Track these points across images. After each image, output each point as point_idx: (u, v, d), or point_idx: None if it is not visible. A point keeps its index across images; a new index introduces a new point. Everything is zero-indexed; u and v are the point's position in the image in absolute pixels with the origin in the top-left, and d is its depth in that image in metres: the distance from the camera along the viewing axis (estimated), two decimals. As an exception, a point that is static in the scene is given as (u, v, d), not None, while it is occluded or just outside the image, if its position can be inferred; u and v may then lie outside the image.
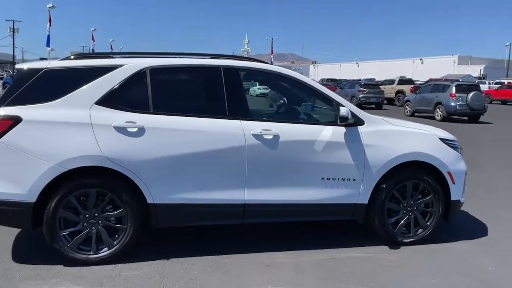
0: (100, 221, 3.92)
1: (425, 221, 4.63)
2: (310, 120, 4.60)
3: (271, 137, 4.12)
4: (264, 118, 4.43)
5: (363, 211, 4.45)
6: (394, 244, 4.54)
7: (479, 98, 18.98)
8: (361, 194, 4.39)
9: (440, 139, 4.68)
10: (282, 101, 4.97)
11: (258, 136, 4.09)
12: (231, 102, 4.15)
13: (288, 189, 4.23)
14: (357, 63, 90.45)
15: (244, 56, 5.31)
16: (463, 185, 4.72)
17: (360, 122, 4.38)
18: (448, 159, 4.60)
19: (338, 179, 4.32)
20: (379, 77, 63.39)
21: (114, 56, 4.21)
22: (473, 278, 3.88)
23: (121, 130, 3.87)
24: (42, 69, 3.93)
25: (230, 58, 4.43)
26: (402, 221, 4.57)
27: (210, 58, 4.37)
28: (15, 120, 3.74)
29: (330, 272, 3.94)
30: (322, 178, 4.29)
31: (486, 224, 5.28)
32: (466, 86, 19.92)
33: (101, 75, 3.97)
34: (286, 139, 4.16)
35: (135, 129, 3.88)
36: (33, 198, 3.75)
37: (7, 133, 3.71)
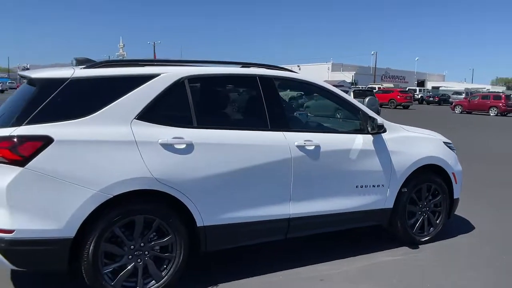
0: (146, 252, 3.45)
1: (435, 219, 4.91)
2: (341, 129, 4.59)
3: (313, 147, 4.02)
4: (302, 129, 4.29)
5: (388, 215, 4.57)
6: (413, 244, 4.74)
7: (374, 102, 20.74)
8: (387, 199, 4.50)
9: (444, 142, 5.01)
10: (308, 110, 4.88)
11: (301, 148, 3.97)
12: (271, 113, 3.95)
13: (327, 199, 4.16)
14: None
15: (271, 64, 5.09)
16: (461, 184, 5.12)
17: (384, 129, 4.49)
18: (451, 161, 4.94)
19: (369, 186, 4.38)
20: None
21: (143, 63, 3.73)
22: (497, 267, 4.22)
23: (169, 147, 3.44)
24: (67, 79, 3.33)
25: (260, 67, 4.22)
26: (419, 222, 4.78)
27: (241, 67, 4.12)
28: (46, 141, 3.11)
29: (380, 277, 3.97)
30: (356, 186, 4.31)
31: (466, 218, 5.76)
32: (362, 91, 21.64)
33: (137, 86, 3.49)
34: (326, 149, 4.10)
35: (183, 146, 3.49)
36: (71, 233, 3.16)
37: (36, 157, 3.07)
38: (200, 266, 4.07)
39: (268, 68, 4.22)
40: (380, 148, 4.42)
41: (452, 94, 49.18)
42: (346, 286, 3.80)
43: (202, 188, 3.54)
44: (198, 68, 3.85)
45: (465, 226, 5.44)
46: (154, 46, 75.37)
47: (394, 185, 4.51)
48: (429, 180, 4.79)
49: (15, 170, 3.04)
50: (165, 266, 3.53)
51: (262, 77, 4.03)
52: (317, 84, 4.42)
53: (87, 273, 3.25)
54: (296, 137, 3.98)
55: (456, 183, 4.98)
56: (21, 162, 3.05)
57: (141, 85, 3.50)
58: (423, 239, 4.81)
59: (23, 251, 3.10)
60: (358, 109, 4.46)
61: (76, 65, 3.85)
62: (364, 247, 4.64)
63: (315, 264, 4.20)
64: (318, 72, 70.46)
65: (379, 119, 4.34)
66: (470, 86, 73.51)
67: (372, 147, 4.37)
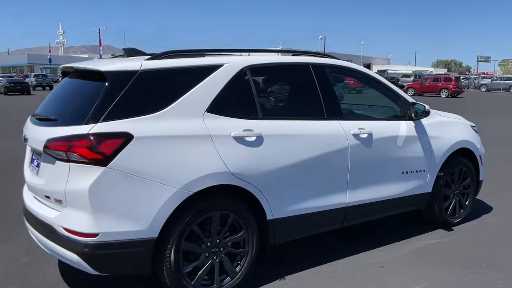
0: (222, 248, 3.35)
1: (465, 201, 5.10)
2: (387, 115, 4.62)
3: (366, 135, 4.04)
4: (353, 117, 4.29)
5: (427, 199, 4.68)
6: (447, 226, 4.90)
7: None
8: (427, 184, 4.61)
9: (470, 126, 5.19)
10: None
11: (357, 136, 3.97)
12: (326, 101, 3.92)
13: (378, 186, 4.21)
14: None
15: (320, 52, 4.93)
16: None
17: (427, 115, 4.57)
18: (478, 144, 5.13)
19: (413, 172, 4.47)
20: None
21: (203, 53, 3.58)
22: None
23: (240, 140, 3.34)
24: (136, 71, 3.14)
25: (310, 54, 4.16)
26: (452, 205, 4.95)
27: (292, 55, 4.05)
28: (126, 138, 2.93)
29: (433, 260, 4.07)
30: (402, 172, 4.38)
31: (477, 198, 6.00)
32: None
33: (204, 77, 3.35)
34: (377, 137, 4.13)
35: (253, 138, 3.40)
36: (155, 233, 3.01)
37: (118, 156, 2.89)
38: (264, 260, 4.01)
39: (318, 56, 4.18)
40: (421, 133, 4.51)
41: (401, 77, 50.69)
42: (408, 271, 3.86)
43: (271, 181, 3.47)
44: (256, 57, 3.75)
45: (482, 207, 5.66)
46: (99, 33, 72.53)
47: (433, 169, 4.63)
48: (461, 164, 4.95)
49: (97, 170, 2.86)
50: (238, 262, 3.46)
51: (315, 65, 3.98)
52: (363, 72, 4.44)
53: (169, 274, 3.12)
54: (350, 125, 3.98)
55: (481, 165, 5.18)
56: (103, 161, 2.86)
57: (207, 76, 3.36)
58: (455, 221, 4.98)
59: (107, 255, 2.93)
60: (400, 96, 4.52)
61: (126, 56, 3.66)
62: (402, 233, 4.72)
63: (366, 251, 4.25)
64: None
65: (427, 106, 4.42)
66: (414, 68, 76.32)
67: (414, 133, 4.45)
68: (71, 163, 2.90)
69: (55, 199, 3.02)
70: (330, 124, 3.88)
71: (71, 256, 2.94)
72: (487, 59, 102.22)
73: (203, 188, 3.14)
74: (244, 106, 3.54)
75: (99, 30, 69.68)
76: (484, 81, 52.27)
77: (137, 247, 2.97)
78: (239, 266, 3.45)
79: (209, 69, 3.40)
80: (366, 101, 5.24)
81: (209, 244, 3.29)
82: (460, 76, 41.69)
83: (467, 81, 53.24)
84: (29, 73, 59.79)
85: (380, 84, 4.51)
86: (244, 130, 3.36)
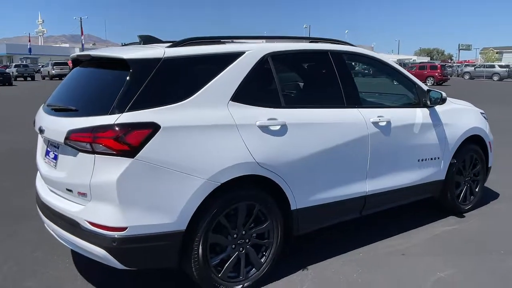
0: (247, 240, 3.29)
1: (475, 188, 5.12)
2: (402, 103, 4.58)
3: (385, 123, 4.00)
4: (370, 105, 4.24)
5: (440, 187, 4.68)
6: (459, 213, 4.91)
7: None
8: (441, 171, 4.61)
9: (480, 113, 5.19)
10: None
11: (376, 124, 3.93)
12: (345, 89, 3.87)
13: (396, 174, 4.19)
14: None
15: (337, 39, 4.82)
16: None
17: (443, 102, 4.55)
18: (487, 131, 5.14)
19: (428, 159, 4.46)
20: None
21: (224, 41, 3.48)
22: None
23: (265, 129, 3.27)
24: (160, 59, 3.02)
25: (326, 41, 4.08)
26: (463, 192, 4.96)
27: (310, 42, 3.97)
28: (153, 129, 2.83)
29: (455, 246, 4.08)
30: (418, 160, 4.37)
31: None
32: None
33: (227, 64, 3.26)
34: (395, 125, 4.09)
35: (278, 127, 3.32)
36: (183, 226, 2.93)
37: (145, 147, 2.79)
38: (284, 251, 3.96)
39: (335, 43, 4.10)
40: (436, 121, 4.49)
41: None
42: (429, 258, 3.86)
43: (295, 170, 3.41)
44: (277, 44, 3.65)
45: (490, 194, 5.69)
46: (81, 22, 71.09)
47: (447, 157, 4.62)
48: (472, 151, 4.95)
49: (125, 162, 2.75)
50: (263, 253, 3.40)
51: (333, 52, 3.92)
52: (382, 60, 4.38)
53: (196, 267, 3.04)
54: (369, 113, 3.93)
55: (490, 152, 5.20)
56: (130, 152, 2.76)
57: (230, 63, 3.27)
58: (466, 208, 5.00)
59: (135, 249, 2.84)
60: (415, 83, 4.49)
61: (143, 43, 3.54)
62: (416, 221, 4.72)
63: (383, 239, 4.24)
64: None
65: (444, 94, 4.39)
66: (398, 57, 76.77)
67: (430, 121, 4.43)
68: (96, 155, 2.79)
69: (79, 193, 2.91)
70: (350, 112, 3.83)
71: (97, 251, 2.84)
72: (468, 47, 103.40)
73: (230, 178, 3.06)
74: (266, 94, 3.46)
75: (81, 19, 68.32)
76: (467, 69, 52.94)
77: (165, 240, 2.89)
78: (264, 257, 3.39)
79: (232, 57, 3.30)
80: (379, 89, 5.20)
81: (235, 235, 3.22)
82: (445, 64, 42.01)
83: (450, 69, 53.77)
84: (8, 63, 58.43)
85: (395, 71, 4.46)
86: (268, 119, 3.29)
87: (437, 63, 42.97)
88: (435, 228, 4.56)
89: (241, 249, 3.26)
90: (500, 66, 48.72)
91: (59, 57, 70.25)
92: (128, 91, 2.86)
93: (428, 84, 35.58)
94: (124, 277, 3.49)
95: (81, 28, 67.78)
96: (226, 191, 3.07)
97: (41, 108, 3.62)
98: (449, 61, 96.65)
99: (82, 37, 68.17)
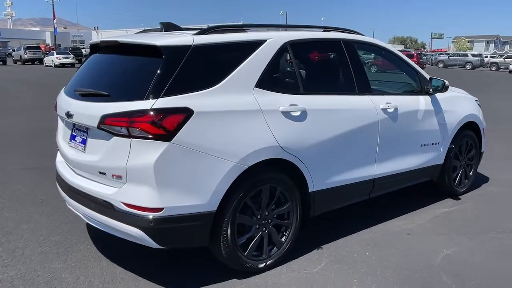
0: (270, 220, 3.45)
1: (469, 172, 5.40)
2: (407, 90, 4.77)
3: (392, 110, 4.20)
4: (378, 92, 4.42)
5: (439, 171, 4.93)
6: (454, 196, 5.19)
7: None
8: (441, 156, 4.86)
9: (475, 100, 5.45)
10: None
11: (385, 110, 4.12)
12: (357, 76, 4.04)
13: (402, 158, 4.40)
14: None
15: (347, 28, 4.89)
16: None
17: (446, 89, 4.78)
18: (481, 118, 5.40)
19: (429, 144, 4.69)
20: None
21: (246, 29, 3.58)
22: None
23: (287, 115, 3.41)
24: (190, 46, 3.12)
25: (339, 30, 4.23)
26: (459, 175, 5.23)
27: (323, 31, 4.10)
28: (188, 114, 2.93)
29: (456, 226, 4.35)
30: (421, 145, 4.59)
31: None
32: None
33: (251, 52, 3.37)
34: (402, 111, 4.29)
35: (298, 113, 3.47)
36: (214, 207, 3.07)
37: (180, 131, 2.90)
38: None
39: (346, 32, 4.26)
40: (437, 108, 4.72)
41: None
42: (433, 238, 4.10)
43: (314, 154, 3.57)
44: (295, 33, 3.79)
45: (481, 177, 5.99)
46: (53, 5, 68.99)
47: (446, 142, 4.87)
48: (467, 136, 5.22)
49: (161, 145, 2.86)
50: (284, 233, 3.57)
51: (345, 41, 4.08)
52: (388, 49, 4.58)
53: (225, 246, 3.19)
54: (379, 100, 4.12)
55: (483, 138, 5.48)
56: (166, 136, 2.87)
57: (254, 51, 3.38)
58: (461, 191, 5.28)
59: (170, 228, 2.96)
60: (417, 71, 4.70)
61: (164, 30, 3.63)
62: (416, 203, 4.96)
63: (388, 220, 4.46)
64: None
65: (446, 81, 4.61)
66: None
67: (431, 107, 4.65)
68: (132, 139, 2.89)
69: (113, 175, 3.00)
70: (362, 99, 4.00)
71: (133, 231, 2.95)
72: (440, 36, 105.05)
73: (257, 162, 3.20)
74: (287, 81, 3.60)
75: (53, 2, 66.36)
76: (441, 57, 54.06)
77: (198, 220, 3.02)
78: (284, 237, 3.56)
79: (255, 44, 3.42)
80: (383, 77, 5.39)
81: (259, 216, 3.37)
82: (421, 53, 42.78)
83: (425, 57, 54.78)
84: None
85: (400, 60, 4.66)
86: (290, 105, 3.43)
87: (413, 51, 43.67)
88: (435, 209, 4.82)
89: (264, 229, 3.41)
90: (473, 55, 50.03)
91: (29, 41, 68.39)
92: (162, 77, 2.95)
93: (405, 72, 36.23)
94: (145, 256, 3.61)
95: (53, 11, 65.92)
96: (252, 174, 3.21)
97: (62, 92, 3.66)
98: (422, 49, 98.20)
99: (55, 21, 66.44)
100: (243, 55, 3.34)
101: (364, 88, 4.07)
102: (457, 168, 5.20)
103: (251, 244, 3.35)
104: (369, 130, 4.00)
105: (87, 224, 3.92)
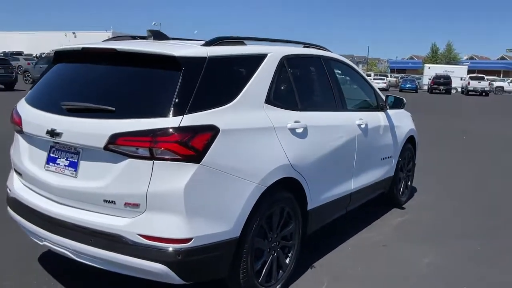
0: (278, 242, 3.28)
1: (409, 183, 5.81)
2: (368, 107, 4.93)
3: (364, 126, 4.34)
4: (350, 108, 4.50)
5: (390, 183, 5.22)
6: (399, 205, 5.52)
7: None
8: (392, 168, 5.15)
9: (410, 116, 5.90)
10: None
11: (359, 126, 4.25)
12: (336, 93, 4.10)
13: (369, 172, 4.56)
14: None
15: (321, 46, 4.62)
16: None
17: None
18: (414, 128, 5.84)
19: (386, 158, 4.95)
20: (29, 50, 58.55)
21: (245, 42, 3.39)
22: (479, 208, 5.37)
23: (293, 131, 3.31)
24: (205, 58, 2.85)
25: (316, 47, 4.24)
26: (402, 186, 5.59)
27: (303, 47, 4.08)
28: (214, 132, 2.67)
29: (418, 234, 4.62)
30: (381, 159, 4.82)
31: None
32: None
33: (257, 66, 3.20)
34: (370, 127, 4.47)
35: (301, 129, 3.39)
36: (237, 233, 2.82)
37: (209, 151, 2.62)
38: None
39: (322, 49, 4.30)
40: (391, 123, 5.00)
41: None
42: (406, 246, 4.30)
43: (312, 171, 3.51)
44: (288, 48, 3.72)
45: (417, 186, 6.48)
46: None
47: (396, 155, 5.19)
48: (408, 150, 5.62)
49: (191, 167, 2.55)
50: (287, 254, 3.42)
51: (324, 58, 4.13)
52: (353, 67, 4.73)
53: (244, 275, 2.94)
54: (354, 116, 4.24)
55: (416, 150, 5.95)
56: (195, 157, 2.57)
57: (259, 65, 3.22)
58: (403, 200, 5.65)
59: (197, 261, 2.64)
60: (374, 89, 4.94)
61: (153, 39, 3.30)
62: (368, 215, 5.14)
63: (357, 233, 4.58)
64: (96, 41, 65.78)
65: (404, 99, 4.91)
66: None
67: (387, 123, 4.92)
68: (155, 161, 2.53)
69: (127, 204, 2.58)
70: (343, 115, 4.08)
71: (154, 267, 2.56)
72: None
73: (274, 181, 3.04)
74: (287, 96, 3.49)
75: None
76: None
77: (223, 249, 2.74)
78: (288, 258, 3.42)
79: (259, 58, 3.27)
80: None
81: (270, 239, 3.19)
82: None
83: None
84: None
85: (361, 77, 4.85)
86: (294, 122, 3.33)
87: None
88: (390, 220, 5.08)
89: (273, 252, 3.24)
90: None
91: None
92: (184, 92, 2.64)
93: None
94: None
95: None
96: (269, 194, 3.03)
97: (29, 106, 3.08)
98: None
99: None
100: (252, 69, 3.16)
101: (342, 104, 4.15)
102: (401, 179, 5.56)
103: (264, 270, 3.15)
104: (350, 146, 4.08)
105: (48, 259, 3.34)
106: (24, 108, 3.14)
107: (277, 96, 3.31)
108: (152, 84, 2.77)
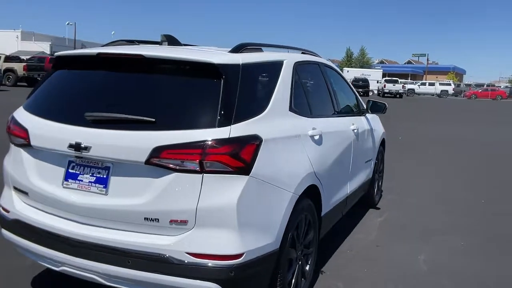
0: (301, 251, 3.25)
1: (380, 184, 6.04)
2: (353, 112, 5.01)
3: (356, 130, 4.45)
4: (343, 113, 4.56)
5: (369, 184, 5.39)
6: (374, 206, 5.72)
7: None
8: (371, 170, 5.33)
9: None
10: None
11: (353, 131, 4.35)
12: (333, 99, 4.16)
13: (358, 175, 4.69)
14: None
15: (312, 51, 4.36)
16: None
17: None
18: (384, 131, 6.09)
19: (368, 161, 5.12)
20: None
21: (262, 48, 3.31)
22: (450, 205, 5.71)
23: (313, 138, 3.31)
24: (239, 65, 2.74)
25: (312, 54, 4.25)
26: (376, 187, 5.80)
27: (301, 53, 4.08)
28: (259, 142, 2.59)
29: (403, 233, 4.82)
30: (365, 162, 4.97)
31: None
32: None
33: (278, 74, 3.15)
34: (360, 131, 4.59)
35: (318, 136, 3.40)
36: (278, 245, 2.75)
37: (256, 162, 2.54)
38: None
39: (314, 55, 4.32)
40: (370, 127, 5.17)
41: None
42: (396, 245, 4.46)
43: (326, 177, 3.53)
44: (295, 54, 3.70)
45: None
46: None
47: (374, 158, 5.37)
48: (380, 152, 5.84)
49: (242, 180, 2.45)
50: (307, 262, 3.40)
51: (321, 64, 4.18)
52: (339, 73, 4.82)
53: (280, 285, 2.87)
54: (348, 121, 4.33)
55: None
56: (245, 169, 2.47)
57: (279, 72, 3.18)
58: (377, 200, 5.86)
59: (247, 276, 2.54)
60: (356, 94, 5.08)
61: (168, 44, 3.14)
62: (348, 218, 5.20)
63: (349, 235, 4.68)
64: (5, 41, 61.53)
65: (386, 103, 5.09)
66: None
67: (369, 127, 5.08)
68: (204, 174, 2.39)
69: (173, 221, 2.42)
70: (342, 120, 4.16)
71: (203, 286, 2.43)
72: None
73: (304, 189, 3.01)
74: (302, 103, 3.47)
75: None
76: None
77: (267, 262, 2.66)
78: (308, 266, 3.40)
79: (279, 65, 3.22)
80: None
81: (297, 248, 3.15)
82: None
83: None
84: None
85: (346, 82, 4.96)
86: (313, 129, 3.33)
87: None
88: (372, 220, 5.25)
89: (299, 261, 3.20)
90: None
91: None
92: (227, 101, 2.52)
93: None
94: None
95: None
96: (299, 203, 3.00)
97: (40, 118, 2.77)
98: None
99: None
100: (275, 76, 3.11)
101: (339, 110, 4.22)
102: (375, 180, 5.76)
103: (293, 280, 3.10)
104: (349, 150, 4.17)
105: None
106: (28, 119, 2.83)
107: (296, 103, 3.27)
108: (191, 93, 2.61)
